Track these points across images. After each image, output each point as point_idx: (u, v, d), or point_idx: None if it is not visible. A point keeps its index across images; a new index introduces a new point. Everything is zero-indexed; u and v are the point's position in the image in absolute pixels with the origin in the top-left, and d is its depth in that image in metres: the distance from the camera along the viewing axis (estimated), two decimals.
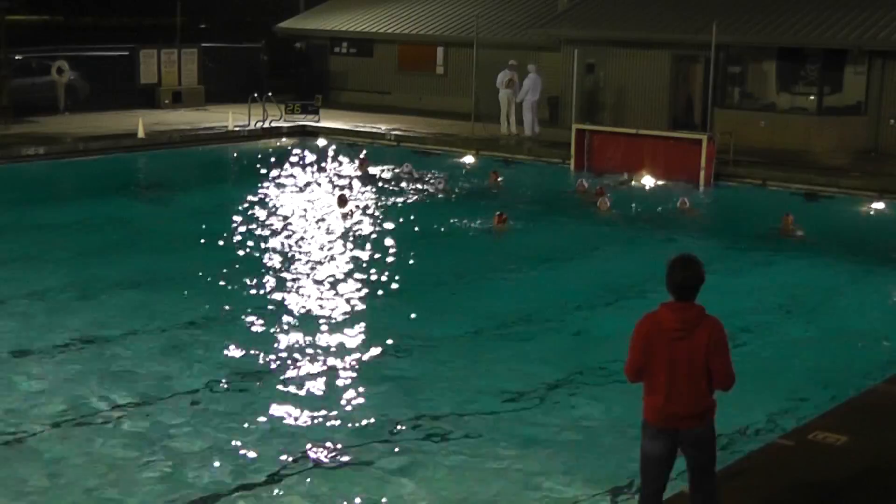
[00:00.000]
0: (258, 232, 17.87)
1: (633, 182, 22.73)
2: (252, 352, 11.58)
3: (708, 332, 6.21)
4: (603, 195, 20.35)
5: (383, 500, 8.23)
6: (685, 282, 6.23)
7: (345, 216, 19.18)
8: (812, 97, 25.95)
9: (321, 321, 12.75)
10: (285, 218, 19.07)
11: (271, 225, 18.47)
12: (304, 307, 13.37)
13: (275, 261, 15.86)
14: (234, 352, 11.58)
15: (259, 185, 22.34)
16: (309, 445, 9.15)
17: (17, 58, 29.70)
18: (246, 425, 9.58)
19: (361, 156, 25.62)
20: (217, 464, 8.77)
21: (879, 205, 20.52)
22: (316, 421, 9.71)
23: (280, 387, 10.57)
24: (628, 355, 6.38)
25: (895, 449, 8.41)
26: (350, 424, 9.65)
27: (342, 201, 19.96)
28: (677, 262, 6.29)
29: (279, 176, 23.60)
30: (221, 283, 14.53)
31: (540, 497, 8.32)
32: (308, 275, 15.05)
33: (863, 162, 23.85)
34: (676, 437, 6.34)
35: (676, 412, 6.27)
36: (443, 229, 18.51)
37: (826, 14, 25.80)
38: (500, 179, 22.60)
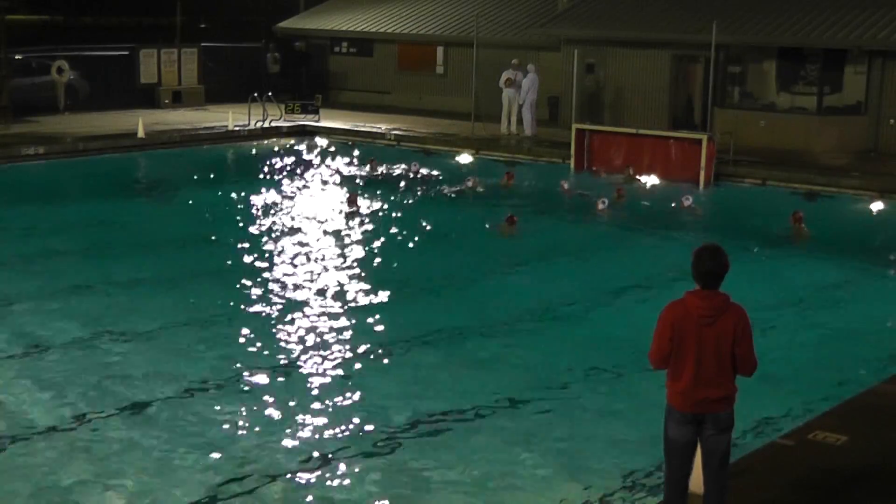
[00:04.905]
0: (260, 231, 17.86)
1: (633, 182, 22.71)
2: (256, 351, 11.57)
3: (734, 319, 6.40)
4: (622, 196, 20.46)
5: (394, 499, 8.23)
6: (713, 270, 6.39)
7: (355, 216, 19.13)
8: (812, 97, 25.95)
9: (328, 320, 12.72)
10: (286, 217, 19.06)
11: (273, 224, 18.47)
12: (310, 306, 13.34)
13: (279, 260, 15.85)
14: (236, 351, 11.57)
15: (259, 184, 22.33)
16: (316, 443, 9.17)
17: (17, 58, 29.69)
18: (248, 425, 9.58)
19: (356, 154, 25.64)
20: (217, 464, 8.77)
21: (879, 205, 20.51)
22: (322, 419, 9.69)
23: (286, 385, 10.58)
24: (654, 343, 6.51)
25: (895, 449, 8.40)
26: (355, 422, 9.63)
27: (352, 201, 19.90)
28: (705, 252, 6.46)
29: (279, 176, 23.60)
30: (222, 282, 14.52)
31: (552, 493, 8.32)
32: (315, 274, 15.02)
33: (863, 162, 23.85)
34: (702, 422, 6.47)
35: (704, 397, 6.41)
36: (456, 229, 18.57)
37: (826, 14, 25.79)
38: (512, 180, 22.48)
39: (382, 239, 17.46)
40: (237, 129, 28.24)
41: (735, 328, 6.38)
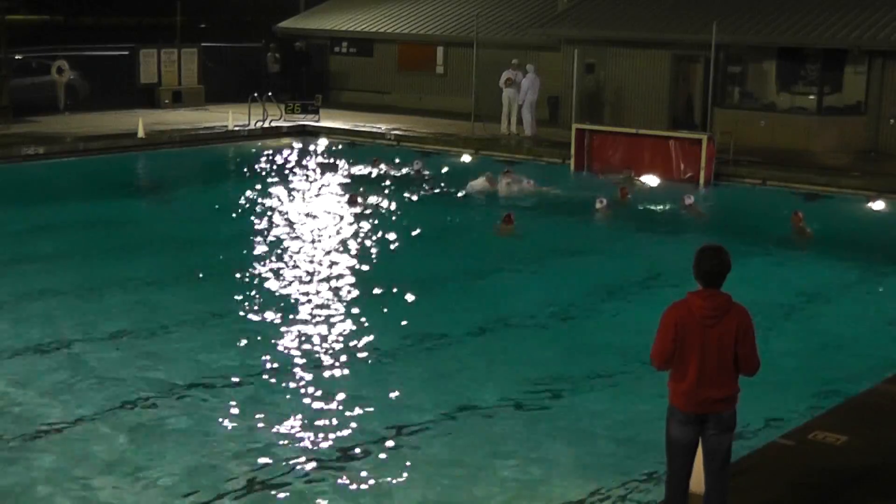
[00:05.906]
0: (260, 232, 17.86)
1: (633, 182, 22.71)
2: (257, 351, 11.57)
3: (737, 319, 6.41)
4: (626, 196, 20.45)
5: (395, 500, 8.24)
6: (714, 269, 6.40)
7: (355, 216, 19.12)
8: (812, 97, 25.96)
9: (328, 320, 12.73)
10: (286, 217, 19.06)
11: (273, 224, 18.47)
12: (309, 306, 13.36)
13: (279, 261, 15.84)
14: (236, 351, 11.57)
15: (260, 184, 22.34)
16: (316, 444, 9.17)
17: (17, 58, 29.69)
18: (249, 425, 9.59)
19: (357, 155, 25.63)
20: (216, 463, 8.79)
21: (879, 205, 20.52)
22: (322, 420, 9.69)
23: (285, 386, 10.58)
24: (656, 343, 6.50)
25: (895, 449, 8.41)
26: (355, 423, 9.63)
27: (352, 201, 19.89)
28: (706, 251, 6.47)
29: (280, 176, 23.60)
30: (222, 282, 14.52)
31: (552, 493, 8.32)
32: (315, 274, 15.03)
33: (863, 162, 23.86)
34: (705, 422, 6.48)
35: (707, 397, 6.42)
36: (455, 229, 18.61)
37: (826, 14, 25.80)
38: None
39: (381, 239, 17.45)
40: (237, 129, 28.24)
41: (738, 328, 6.39)
